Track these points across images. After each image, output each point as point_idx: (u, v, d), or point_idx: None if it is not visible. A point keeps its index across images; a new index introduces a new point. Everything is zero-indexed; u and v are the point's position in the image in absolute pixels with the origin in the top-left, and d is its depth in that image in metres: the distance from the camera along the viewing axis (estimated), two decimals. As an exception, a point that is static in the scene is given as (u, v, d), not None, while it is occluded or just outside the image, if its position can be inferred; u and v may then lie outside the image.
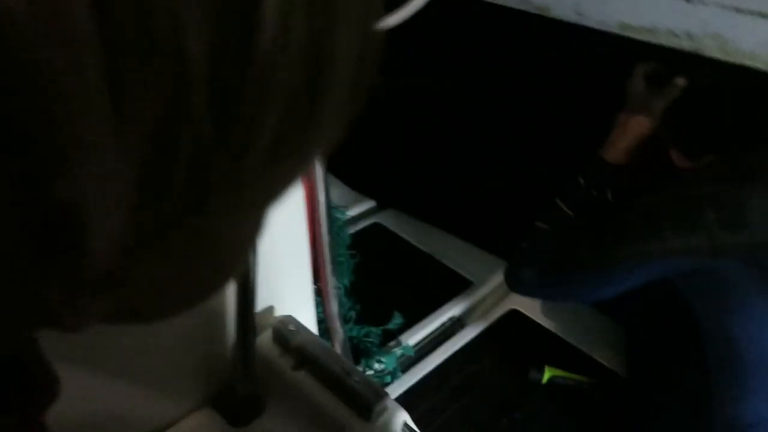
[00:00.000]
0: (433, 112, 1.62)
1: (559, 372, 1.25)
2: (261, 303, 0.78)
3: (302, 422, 0.73)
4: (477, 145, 1.59)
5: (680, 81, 0.97)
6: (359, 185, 1.72)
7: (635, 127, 1.03)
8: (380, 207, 1.69)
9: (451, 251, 1.55)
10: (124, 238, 0.16)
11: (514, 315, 1.42)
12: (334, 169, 1.69)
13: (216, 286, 0.23)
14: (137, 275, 0.18)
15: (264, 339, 0.77)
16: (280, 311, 0.82)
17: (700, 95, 0.96)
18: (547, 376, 1.25)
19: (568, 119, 1.31)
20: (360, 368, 1.21)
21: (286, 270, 0.84)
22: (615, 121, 1.07)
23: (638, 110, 1.02)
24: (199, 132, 0.15)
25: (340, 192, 1.69)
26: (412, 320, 1.36)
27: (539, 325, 1.40)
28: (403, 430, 0.71)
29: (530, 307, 1.43)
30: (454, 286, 1.46)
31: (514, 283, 1.16)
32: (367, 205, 1.70)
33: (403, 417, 0.72)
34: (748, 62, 0.64)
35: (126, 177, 0.15)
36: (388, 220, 1.64)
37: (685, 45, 0.68)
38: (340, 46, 0.17)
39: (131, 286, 0.18)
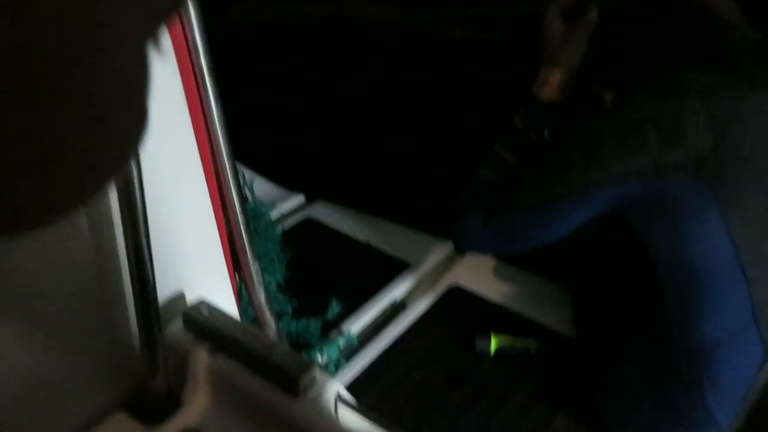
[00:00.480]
0: (347, 102, 1.59)
1: (506, 339, 1.23)
2: (167, 290, 0.71)
3: (224, 409, 0.66)
4: (397, 128, 1.57)
5: (593, 10, 0.97)
6: (286, 181, 1.66)
7: (564, 59, 1.02)
8: (309, 200, 1.64)
9: (385, 236, 1.51)
10: None
11: (455, 291, 1.39)
12: (258, 166, 1.63)
13: (106, 146, 0.18)
14: None
15: (175, 327, 0.71)
16: (191, 298, 0.75)
17: (615, 21, 0.96)
18: (494, 345, 1.22)
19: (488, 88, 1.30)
20: (313, 360, 1.15)
21: (195, 256, 0.78)
22: (542, 60, 1.05)
23: (563, 45, 1.01)
24: None
25: (265, 189, 1.63)
26: (352, 308, 1.31)
27: (482, 298, 1.38)
28: (336, 401, 0.66)
29: (471, 281, 1.41)
30: (392, 269, 1.42)
31: (461, 237, 1.09)
32: (297, 200, 1.64)
33: (335, 388, 0.67)
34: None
35: None
36: (319, 212, 1.59)
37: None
38: None
39: None
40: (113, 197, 0.63)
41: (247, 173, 1.57)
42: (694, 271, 0.87)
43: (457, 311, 1.34)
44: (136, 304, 0.64)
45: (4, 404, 0.60)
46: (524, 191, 0.99)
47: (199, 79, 0.78)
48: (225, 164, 0.93)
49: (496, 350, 1.22)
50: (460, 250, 1.47)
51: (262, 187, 1.62)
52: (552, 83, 1.05)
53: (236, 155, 0.97)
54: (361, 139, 1.64)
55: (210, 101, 0.81)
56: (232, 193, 0.94)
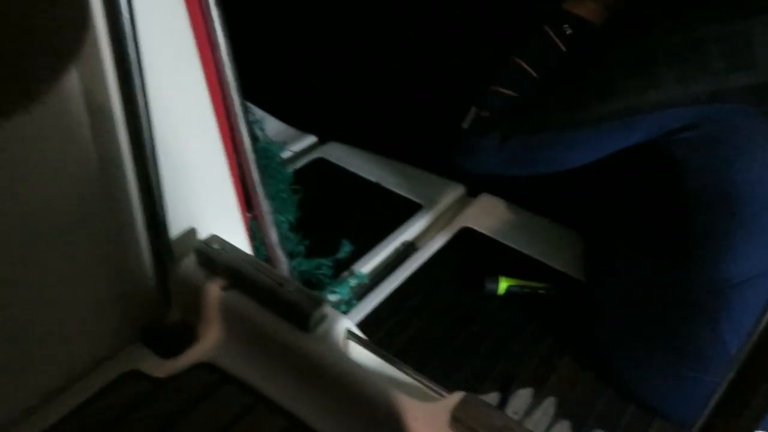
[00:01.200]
0: (360, 42, 1.55)
1: (514, 281, 1.24)
2: (179, 225, 0.72)
3: (237, 344, 0.68)
4: (410, 66, 1.53)
5: None
6: (299, 121, 1.65)
7: None
8: (321, 141, 1.63)
9: (397, 177, 1.51)
10: None
11: (467, 233, 1.39)
12: (270, 107, 1.61)
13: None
14: None
15: (189, 262, 0.72)
16: (203, 234, 0.76)
17: None
18: (502, 286, 1.24)
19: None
20: (324, 296, 1.17)
21: (206, 193, 0.78)
22: None
23: None
24: None
25: (278, 129, 1.61)
26: (364, 249, 1.32)
27: (493, 239, 1.38)
28: (345, 336, 0.68)
29: (483, 223, 1.41)
30: (404, 211, 1.42)
31: (470, 157, 0.99)
32: (309, 140, 1.63)
33: (344, 324, 0.68)
34: None
35: None
36: (330, 153, 1.58)
37: None
38: None
39: None
40: (123, 133, 0.63)
41: (258, 112, 1.55)
42: (734, 203, 0.82)
43: (467, 253, 1.35)
44: (148, 239, 0.65)
45: (21, 336, 0.62)
46: (556, 110, 0.90)
47: (206, 12, 0.75)
48: (234, 101, 0.91)
49: (505, 292, 1.24)
50: (470, 188, 1.46)
51: (273, 127, 1.60)
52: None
53: (247, 94, 0.95)
54: (374, 79, 1.60)
55: (218, 35, 0.79)
56: (242, 131, 0.93)
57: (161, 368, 0.66)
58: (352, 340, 0.67)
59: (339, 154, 1.58)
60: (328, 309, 0.67)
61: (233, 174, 0.93)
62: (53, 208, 0.58)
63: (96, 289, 0.68)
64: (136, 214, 0.65)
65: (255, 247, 1.04)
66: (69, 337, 0.66)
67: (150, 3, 0.60)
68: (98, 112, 0.59)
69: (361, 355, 0.67)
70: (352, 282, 1.25)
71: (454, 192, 1.47)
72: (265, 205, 0.96)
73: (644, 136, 0.84)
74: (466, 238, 1.39)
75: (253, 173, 0.97)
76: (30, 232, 0.57)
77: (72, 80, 0.56)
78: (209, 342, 0.70)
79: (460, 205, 1.47)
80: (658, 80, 0.79)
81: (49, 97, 0.52)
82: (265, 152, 1.42)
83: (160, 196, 0.64)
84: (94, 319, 0.68)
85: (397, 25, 1.53)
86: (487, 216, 1.43)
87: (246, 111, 0.94)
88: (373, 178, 1.51)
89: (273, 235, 0.99)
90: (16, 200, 0.55)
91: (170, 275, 0.67)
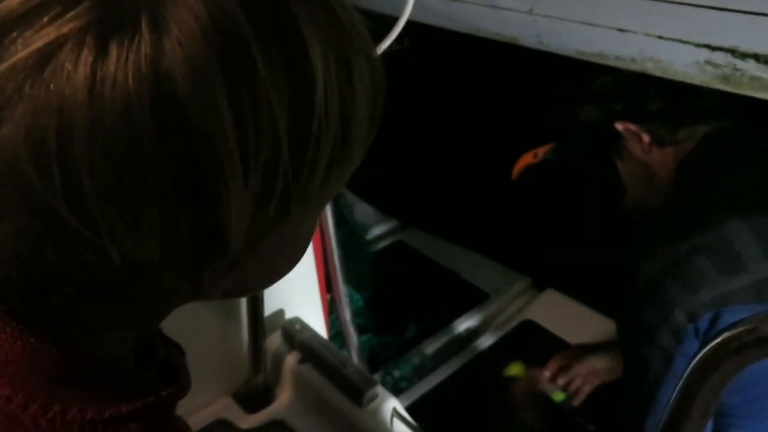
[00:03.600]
0: (449, 136, 1.74)
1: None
2: (271, 307, 0.92)
3: (305, 408, 0.86)
4: (492, 164, 1.71)
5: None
6: (384, 206, 1.85)
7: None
8: (403, 226, 1.82)
9: (469, 265, 1.65)
10: (246, 239, 0.27)
11: (528, 325, 1.50)
12: (360, 190, 1.83)
13: (296, 261, 0.36)
14: (252, 260, 0.30)
15: (275, 338, 0.92)
16: (289, 314, 0.96)
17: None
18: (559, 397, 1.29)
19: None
20: (379, 375, 1.33)
21: (294, 278, 0.98)
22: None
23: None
24: (286, 169, 0.27)
25: (365, 212, 1.83)
26: (430, 331, 1.46)
27: (555, 336, 1.47)
28: (392, 414, 0.83)
29: (546, 318, 1.51)
30: (471, 298, 1.55)
31: None
32: (391, 224, 1.82)
33: (392, 404, 0.84)
34: (684, 80, 0.74)
35: (248, 203, 0.26)
36: (410, 238, 1.77)
37: (632, 66, 0.78)
38: (360, 106, 0.30)
39: (248, 267, 0.30)
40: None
41: (349, 197, 1.78)
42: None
43: (528, 346, 1.45)
44: (247, 317, 0.86)
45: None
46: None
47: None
48: (326, 202, 1.13)
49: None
50: (537, 282, 1.58)
51: (360, 210, 1.82)
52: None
53: None
54: (458, 173, 1.78)
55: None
56: (329, 225, 1.14)
57: (245, 420, 0.85)
58: (398, 419, 0.83)
59: (418, 240, 1.76)
60: (379, 389, 0.83)
61: (317, 257, 1.13)
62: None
63: (202, 348, 0.88)
64: (242, 298, 0.87)
65: (331, 321, 1.22)
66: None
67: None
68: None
69: (404, 432, 0.83)
70: (416, 361, 1.39)
71: (521, 284, 1.59)
72: (342, 288, 1.16)
73: (693, 347, 0.83)
74: (528, 330, 1.49)
75: (335, 259, 1.17)
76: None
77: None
78: (283, 403, 0.88)
79: (526, 297, 1.59)
80: (673, 298, 0.81)
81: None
82: (351, 233, 1.63)
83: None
84: (196, 373, 0.88)
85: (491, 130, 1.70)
86: (551, 311, 1.53)
87: (335, 205, 1.14)
88: (446, 265, 1.67)
89: (347, 315, 1.17)
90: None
91: (261, 346, 0.87)
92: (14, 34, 0.23)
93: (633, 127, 0.96)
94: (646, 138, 0.96)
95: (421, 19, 0.94)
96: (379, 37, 0.72)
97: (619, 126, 0.97)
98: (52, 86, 0.23)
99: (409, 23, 0.75)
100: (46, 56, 0.23)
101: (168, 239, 0.26)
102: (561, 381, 1.18)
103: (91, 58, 0.23)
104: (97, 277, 0.27)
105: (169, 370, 0.37)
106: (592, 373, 1.20)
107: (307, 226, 0.35)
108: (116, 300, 0.30)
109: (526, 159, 1.19)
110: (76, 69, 0.23)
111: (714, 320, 0.80)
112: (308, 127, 0.27)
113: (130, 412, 0.30)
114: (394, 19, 0.75)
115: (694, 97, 0.93)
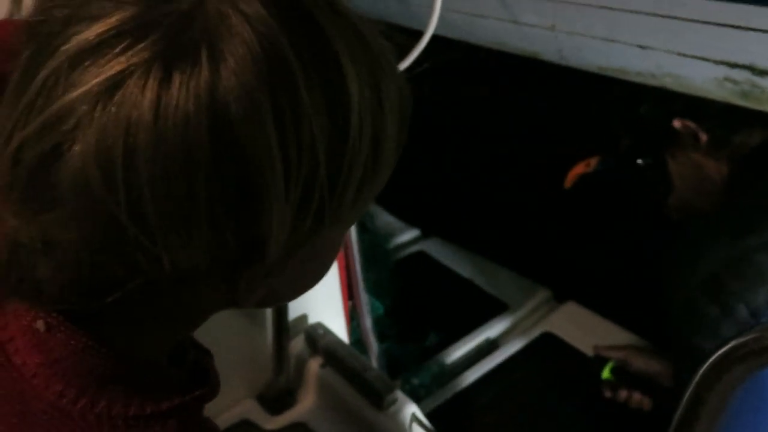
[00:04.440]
0: (471, 147, 1.76)
1: None
2: (295, 312, 0.95)
3: (326, 411, 0.89)
4: (514, 176, 1.72)
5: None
6: (405, 215, 1.88)
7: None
8: (425, 235, 1.84)
9: (489, 276, 1.66)
10: (283, 250, 0.30)
11: (548, 338, 1.51)
12: (382, 200, 1.86)
13: (323, 274, 0.39)
14: (286, 270, 0.33)
15: (298, 342, 0.95)
16: (312, 319, 0.99)
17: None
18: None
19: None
20: (398, 382, 1.34)
21: (318, 285, 1.01)
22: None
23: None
24: (322, 186, 0.29)
25: (386, 221, 1.85)
26: (449, 340, 1.48)
27: (574, 348, 1.48)
28: (411, 419, 0.85)
29: (566, 330, 1.51)
30: (491, 309, 1.56)
31: None
32: (413, 234, 1.85)
33: (411, 408, 0.86)
34: (704, 95, 0.75)
35: (288, 216, 0.29)
36: (431, 247, 1.79)
37: (651, 82, 0.80)
38: (389, 129, 0.32)
39: (282, 277, 0.33)
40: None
41: (371, 206, 1.81)
42: None
43: (547, 358, 1.46)
44: (273, 321, 0.89)
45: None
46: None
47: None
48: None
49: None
50: (557, 293, 1.59)
51: (382, 219, 1.85)
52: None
53: None
54: (480, 184, 1.80)
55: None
56: (352, 233, 1.17)
57: (268, 422, 0.88)
58: (416, 424, 0.85)
59: (439, 249, 1.78)
60: (399, 394, 0.85)
61: (340, 265, 1.16)
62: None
63: (227, 350, 0.91)
64: (266, 300, 0.90)
65: (352, 328, 1.25)
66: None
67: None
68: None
69: (423, 437, 0.85)
70: (434, 369, 1.41)
71: (541, 295, 1.60)
72: (363, 296, 1.18)
73: None
74: (547, 342, 1.50)
75: (356, 267, 1.20)
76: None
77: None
78: (305, 406, 0.91)
79: (546, 309, 1.59)
80: (735, 293, 0.82)
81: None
82: (372, 242, 1.66)
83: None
84: (222, 375, 0.92)
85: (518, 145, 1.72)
86: (571, 324, 1.53)
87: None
88: (466, 275, 1.69)
89: (367, 322, 1.20)
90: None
91: (285, 350, 0.90)
92: (88, 62, 0.26)
93: (692, 125, 0.95)
94: (703, 137, 0.95)
95: (446, 33, 0.97)
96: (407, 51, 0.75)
97: (677, 123, 0.96)
98: (121, 109, 0.25)
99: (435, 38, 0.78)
100: (116, 83, 0.26)
101: (215, 249, 0.28)
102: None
103: (156, 85, 0.25)
104: (147, 283, 0.29)
105: (198, 373, 0.39)
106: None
107: (336, 242, 0.38)
108: (161, 305, 0.33)
109: (579, 169, 1.20)
110: (143, 94, 0.25)
111: None
112: (344, 147, 0.29)
113: (169, 410, 0.33)
114: (420, 34, 0.78)
115: None
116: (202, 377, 0.38)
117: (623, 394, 1.11)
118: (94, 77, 0.26)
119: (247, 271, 0.30)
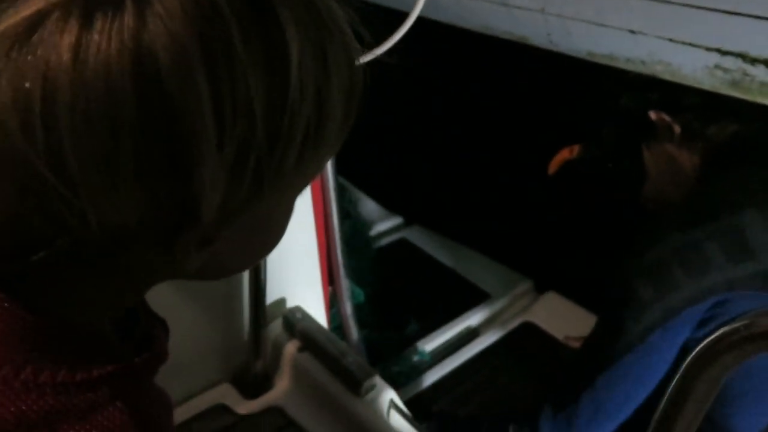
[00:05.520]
0: (454, 136, 1.75)
1: None
2: (274, 295, 0.93)
3: (303, 396, 0.87)
4: (498, 165, 1.71)
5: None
6: (388, 203, 1.86)
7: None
8: (407, 223, 1.83)
9: (471, 265, 1.66)
10: (220, 213, 0.28)
11: (528, 327, 1.50)
12: (365, 186, 1.84)
13: (271, 246, 0.37)
14: (225, 237, 0.31)
15: (276, 326, 0.92)
16: (291, 304, 0.96)
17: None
18: None
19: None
20: (377, 369, 1.33)
21: (297, 268, 0.99)
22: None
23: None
24: (260, 146, 0.27)
25: (370, 208, 1.84)
26: (429, 328, 1.47)
27: (553, 338, 1.48)
28: (389, 406, 0.84)
29: (545, 320, 1.51)
30: (472, 297, 1.56)
31: None
32: (395, 221, 1.83)
33: (390, 395, 0.84)
34: (694, 84, 0.74)
35: (221, 175, 0.27)
36: (413, 235, 1.77)
37: (641, 69, 0.79)
38: (335, 96, 0.31)
39: (220, 245, 0.31)
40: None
41: (355, 192, 1.79)
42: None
43: (527, 347, 1.46)
44: (250, 304, 0.86)
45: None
46: (595, 363, 0.93)
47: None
48: (330, 185, 1.13)
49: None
50: (538, 284, 1.59)
51: (365, 206, 1.83)
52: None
53: (346, 174, 1.14)
54: (463, 173, 1.79)
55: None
56: (333, 214, 1.14)
57: (243, 406, 0.86)
58: (395, 411, 0.83)
59: (421, 237, 1.77)
60: (377, 380, 0.84)
61: (321, 250, 1.14)
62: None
63: (203, 333, 0.89)
64: (244, 281, 0.87)
65: (332, 314, 1.23)
66: (177, 369, 0.88)
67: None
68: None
69: (400, 424, 0.83)
70: (414, 357, 1.40)
71: (522, 286, 1.60)
72: (344, 282, 1.16)
73: (681, 339, 0.87)
74: (527, 332, 1.50)
75: (338, 252, 1.18)
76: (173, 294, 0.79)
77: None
78: (282, 391, 0.89)
79: (527, 299, 1.59)
80: (675, 281, 0.84)
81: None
82: (354, 229, 1.64)
83: (264, 270, 0.85)
84: (197, 358, 0.89)
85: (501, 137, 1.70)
86: (551, 314, 1.53)
87: (340, 202, 1.15)
88: (448, 263, 1.68)
89: (348, 308, 1.18)
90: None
91: (262, 333, 0.88)
92: (4, 4, 0.24)
93: (666, 117, 0.96)
94: (677, 129, 0.96)
95: (432, 16, 0.95)
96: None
97: (652, 115, 0.97)
98: (38, 51, 0.24)
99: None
100: (33, 24, 0.24)
101: (143, 203, 0.27)
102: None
103: (76, 27, 0.24)
104: (75, 242, 0.28)
105: (144, 342, 0.37)
106: None
107: (282, 211, 0.36)
108: (93, 268, 0.31)
109: (563, 155, 1.20)
110: (61, 36, 0.24)
111: (717, 306, 0.82)
112: (282, 106, 0.28)
113: (101, 377, 0.31)
114: (405, 15, 0.76)
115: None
116: (148, 346, 0.37)
117: None
118: (10, 18, 0.24)
119: (181, 235, 0.29)
